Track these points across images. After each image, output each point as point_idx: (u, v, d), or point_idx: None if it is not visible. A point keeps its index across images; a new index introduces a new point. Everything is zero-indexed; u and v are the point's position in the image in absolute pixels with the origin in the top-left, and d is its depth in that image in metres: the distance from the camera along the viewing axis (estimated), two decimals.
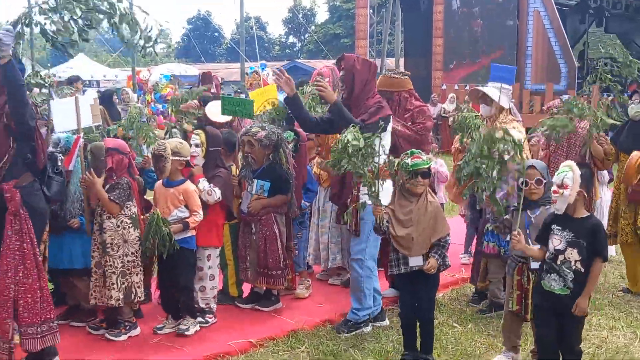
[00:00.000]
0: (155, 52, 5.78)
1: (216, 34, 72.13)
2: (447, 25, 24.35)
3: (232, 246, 7.12)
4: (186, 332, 6.30)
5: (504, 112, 7.49)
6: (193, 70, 32.59)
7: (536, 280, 5.37)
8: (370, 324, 6.65)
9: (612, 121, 7.39)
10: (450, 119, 16.16)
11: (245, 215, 6.89)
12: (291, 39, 76.25)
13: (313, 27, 63.43)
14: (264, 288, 7.09)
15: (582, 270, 4.93)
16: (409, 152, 5.70)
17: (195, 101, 8.14)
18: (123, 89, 17.62)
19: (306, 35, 67.57)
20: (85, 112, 6.35)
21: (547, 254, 5.11)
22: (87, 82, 29.26)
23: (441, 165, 8.72)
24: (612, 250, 8.72)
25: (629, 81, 19.63)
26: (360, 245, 6.45)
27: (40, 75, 5.82)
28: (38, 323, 5.41)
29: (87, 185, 6.16)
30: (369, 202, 5.68)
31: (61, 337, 5.67)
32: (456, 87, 23.59)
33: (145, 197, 7.12)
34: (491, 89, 7.47)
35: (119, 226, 6.13)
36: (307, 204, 7.75)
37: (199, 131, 6.88)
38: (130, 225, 6.17)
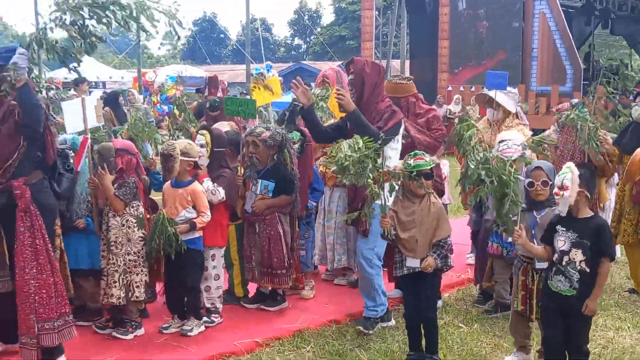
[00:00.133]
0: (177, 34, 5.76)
1: (222, 36, 72.27)
2: (452, 27, 24.36)
3: (238, 246, 7.13)
4: (189, 333, 6.32)
5: (511, 116, 7.52)
6: (199, 71, 32.62)
7: (542, 280, 5.39)
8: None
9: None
10: (456, 120, 16.16)
11: (249, 215, 6.91)
12: (297, 40, 76.32)
13: (318, 29, 63.48)
14: (269, 288, 7.11)
15: (588, 270, 4.93)
16: (411, 153, 5.71)
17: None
18: (129, 90, 17.70)
19: (312, 37, 67.65)
20: (91, 113, 6.38)
21: (555, 255, 5.11)
22: (93, 84, 29.33)
23: (444, 166, 8.70)
24: (618, 252, 8.71)
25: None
26: (369, 245, 6.45)
27: (37, 80, 5.88)
28: (54, 318, 5.45)
29: (94, 185, 6.20)
30: (378, 202, 5.68)
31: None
32: (461, 88, 23.58)
33: (150, 197, 7.14)
34: (498, 94, 7.49)
35: (123, 225, 6.16)
36: (314, 203, 7.76)
37: (204, 132, 6.89)
38: (136, 224, 6.19)
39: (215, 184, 6.58)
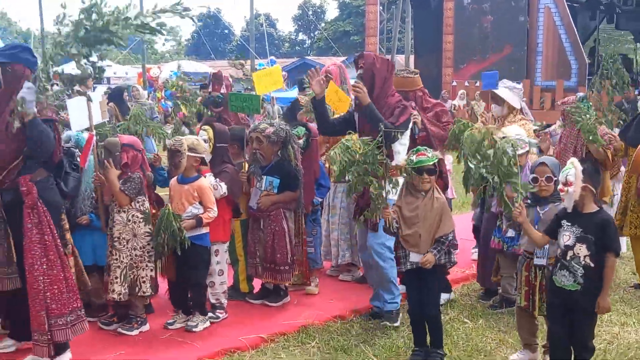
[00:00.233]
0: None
1: (226, 31, 72.22)
2: (457, 22, 24.33)
3: (243, 242, 7.13)
4: (194, 329, 6.33)
5: (514, 112, 7.52)
6: (203, 67, 32.63)
7: (544, 276, 5.40)
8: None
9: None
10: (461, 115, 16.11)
11: (254, 212, 6.91)
12: (301, 36, 76.32)
13: (323, 24, 63.45)
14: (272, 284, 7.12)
15: (592, 265, 4.92)
16: (414, 149, 5.73)
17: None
18: (133, 85, 17.69)
19: (316, 33, 67.63)
20: (96, 110, 6.39)
21: (558, 250, 5.11)
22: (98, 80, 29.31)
23: (447, 161, 8.69)
24: (624, 247, 8.70)
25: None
26: (379, 239, 6.44)
27: (42, 79, 5.89)
28: (67, 313, 5.47)
29: (100, 182, 6.22)
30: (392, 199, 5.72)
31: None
32: (466, 83, 23.52)
33: (155, 193, 7.14)
34: (501, 90, 7.50)
35: (129, 220, 6.16)
36: (320, 199, 7.76)
37: (207, 127, 6.90)
38: (141, 219, 6.20)
39: (218, 180, 6.59)
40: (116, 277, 6.13)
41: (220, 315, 6.67)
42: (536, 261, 5.51)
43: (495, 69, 19.97)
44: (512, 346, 6.10)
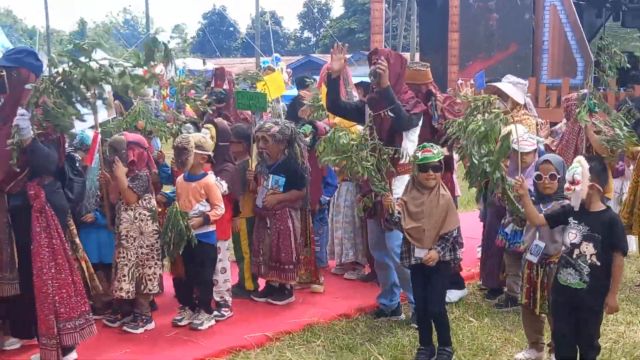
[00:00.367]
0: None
1: (231, 29, 72.19)
2: (462, 19, 24.24)
3: (249, 240, 7.14)
4: (200, 327, 6.34)
5: (518, 107, 7.51)
6: (208, 65, 32.60)
7: (546, 274, 5.43)
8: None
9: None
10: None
11: (260, 210, 6.91)
12: (306, 33, 76.23)
13: (328, 22, 63.31)
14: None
15: (598, 264, 4.90)
16: (420, 145, 5.73)
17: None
18: None
19: (321, 30, 67.50)
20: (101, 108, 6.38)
21: (563, 247, 5.10)
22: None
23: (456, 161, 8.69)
24: (632, 245, 8.68)
25: None
26: (396, 240, 6.36)
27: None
28: (75, 317, 5.48)
29: (105, 180, 6.22)
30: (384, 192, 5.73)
31: None
32: (472, 81, 23.42)
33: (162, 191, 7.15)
34: (505, 85, 7.50)
35: (136, 218, 6.17)
36: (327, 198, 7.76)
37: (210, 125, 6.93)
38: (149, 217, 6.21)
39: (219, 178, 6.59)
40: (124, 275, 6.13)
41: (225, 313, 6.67)
42: (528, 256, 5.55)
43: (500, 67, 19.91)
44: (518, 345, 6.09)
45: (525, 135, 6.58)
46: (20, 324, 5.82)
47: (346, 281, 7.96)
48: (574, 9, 22.43)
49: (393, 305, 6.75)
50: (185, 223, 6.10)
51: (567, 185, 4.96)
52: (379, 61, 6.23)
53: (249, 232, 7.14)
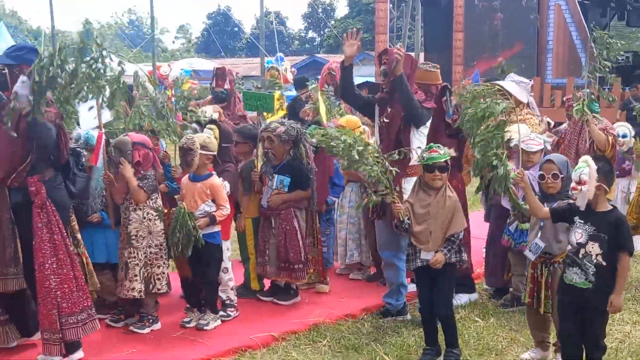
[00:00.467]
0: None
1: (236, 29, 72.18)
2: (467, 19, 24.22)
3: (255, 240, 7.14)
4: (206, 327, 6.35)
5: (521, 106, 7.51)
6: (213, 65, 32.62)
7: (550, 273, 5.44)
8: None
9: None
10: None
11: (265, 210, 6.92)
12: (311, 33, 76.21)
13: (333, 22, 63.31)
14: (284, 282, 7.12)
15: (604, 264, 4.90)
16: (427, 146, 5.74)
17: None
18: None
19: (326, 30, 67.49)
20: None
21: (569, 247, 5.09)
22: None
23: None
24: (638, 245, 8.67)
25: None
26: None
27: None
28: (78, 312, 5.50)
29: (109, 180, 6.23)
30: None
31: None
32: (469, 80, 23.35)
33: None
34: (509, 83, 7.49)
35: (144, 218, 6.18)
36: (334, 199, 7.76)
37: (213, 126, 6.93)
38: (156, 217, 6.22)
39: (221, 179, 6.60)
40: (135, 275, 6.14)
41: (231, 313, 6.68)
42: (526, 253, 5.56)
43: (505, 67, 19.83)
44: (524, 345, 6.09)
45: (532, 134, 6.59)
46: (21, 320, 5.83)
47: (352, 281, 7.96)
48: (579, 8, 22.40)
49: (399, 305, 6.75)
50: (193, 224, 6.11)
51: (573, 185, 4.95)
52: (396, 48, 6.27)
53: (254, 232, 7.14)
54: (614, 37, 7.61)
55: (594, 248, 4.92)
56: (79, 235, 5.94)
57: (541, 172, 5.51)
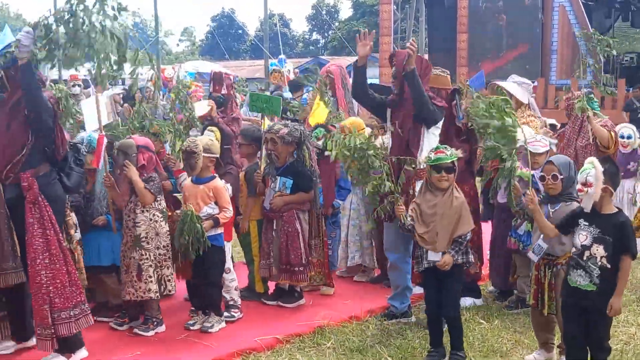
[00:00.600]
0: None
1: (240, 31, 72.21)
2: (471, 20, 24.20)
3: (259, 242, 7.14)
4: (210, 330, 6.34)
5: (523, 107, 7.50)
6: (217, 67, 32.65)
7: (554, 275, 5.43)
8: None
9: None
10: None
11: (267, 212, 6.92)
12: (315, 35, 76.19)
13: (337, 24, 63.27)
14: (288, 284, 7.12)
15: (609, 266, 4.89)
16: (433, 147, 5.74)
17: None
18: (147, 86, 17.70)
19: (330, 32, 67.47)
20: (103, 111, 6.45)
21: (574, 249, 5.08)
22: (112, 80, 29.36)
23: None
24: None
25: None
26: None
27: (52, 86, 5.91)
28: (70, 307, 5.49)
29: (110, 183, 6.23)
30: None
31: (89, 333, 5.74)
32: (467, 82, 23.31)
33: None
34: (510, 84, 7.49)
35: (151, 219, 6.19)
36: (340, 202, 7.76)
37: (213, 128, 6.94)
38: (162, 219, 6.23)
39: (224, 180, 6.60)
40: (149, 276, 6.15)
41: (235, 314, 6.68)
42: (529, 254, 5.54)
43: (509, 68, 19.85)
44: (528, 347, 6.08)
45: (538, 136, 6.58)
46: (19, 321, 5.84)
47: (356, 283, 7.95)
48: (583, 9, 22.37)
49: (404, 307, 6.74)
50: (200, 226, 6.12)
51: (579, 186, 4.94)
52: (410, 43, 6.29)
53: (258, 234, 7.14)
54: (604, 34, 7.68)
55: (599, 250, 4.91)
56: (72, 231, 5.94)
57: (542, 174, 5.51)
